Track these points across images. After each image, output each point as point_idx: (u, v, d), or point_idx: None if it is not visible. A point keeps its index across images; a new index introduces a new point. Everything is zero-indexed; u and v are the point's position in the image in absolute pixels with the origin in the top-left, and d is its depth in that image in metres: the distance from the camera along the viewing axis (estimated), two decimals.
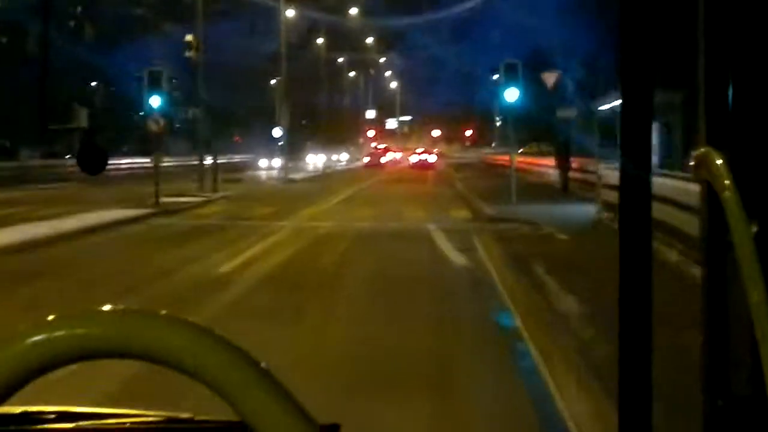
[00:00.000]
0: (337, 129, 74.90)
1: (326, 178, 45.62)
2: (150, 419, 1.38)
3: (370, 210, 23.23)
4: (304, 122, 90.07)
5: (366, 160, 69.35)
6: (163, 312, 0.66)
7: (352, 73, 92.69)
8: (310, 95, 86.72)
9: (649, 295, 1.14)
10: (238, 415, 0.64)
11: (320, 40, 66.64)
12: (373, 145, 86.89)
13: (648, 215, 1.16)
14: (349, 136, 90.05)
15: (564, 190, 29.29)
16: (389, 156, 78.47)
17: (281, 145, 42.40)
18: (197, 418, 1.38)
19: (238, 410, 0.64)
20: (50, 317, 0.65)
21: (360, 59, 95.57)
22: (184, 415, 1.40)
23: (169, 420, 1.39)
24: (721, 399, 1.15)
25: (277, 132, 42.52)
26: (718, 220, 1.08)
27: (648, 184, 1.16)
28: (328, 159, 60.87)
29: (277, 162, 52.80)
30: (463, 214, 22.19)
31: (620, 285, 1.14)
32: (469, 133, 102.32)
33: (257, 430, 0.63)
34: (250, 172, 48.80)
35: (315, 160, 63.11)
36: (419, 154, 67.85)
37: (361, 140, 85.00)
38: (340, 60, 79.04)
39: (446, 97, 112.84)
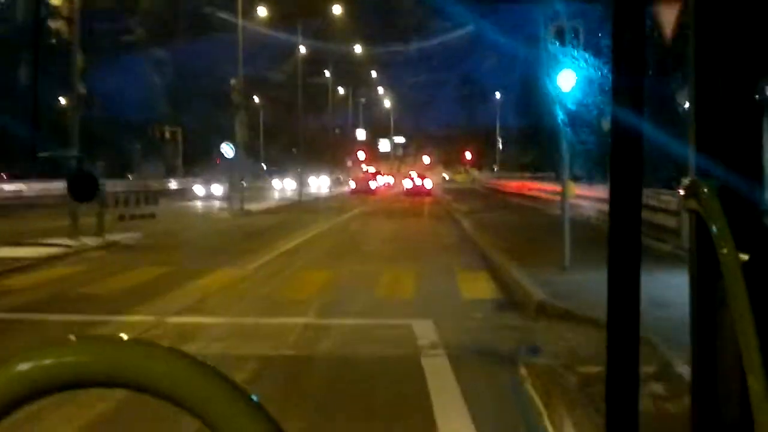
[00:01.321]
0: (320, 151, 65.30)
1: (294, 209, 36.01)
2: None
3: (325, 274, 13.73)
4: (294, 150, 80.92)
5: (352, 185, 59.82)
6: (150, 342, 0.66)
7: (341, 90, 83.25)
8: (294, 118, 77.74)
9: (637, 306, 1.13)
10: None
11: (302, 49, 57.13)
12: (365, 168, 77.37)
13: (638, 230, 1.16)
14: (336, 158, 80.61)
15: None
16: (380, 180, 68.95)
17: (234, 168, 32.83)
18: None
19: None
20: (37, 348, 0.64)
21: (351, 78, 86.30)
22: None
23: None
24: (708, 427, 1.14)
25: (227, 150, 32.93)
26: (707, 250, 1.09)
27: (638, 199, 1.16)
28: (304, 184, 51.11)
29: (218, 188, 43.46)
30: (482, 288, 12.42)
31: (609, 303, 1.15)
32: (468, 155, 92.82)
33: None
34: (186, 202, 39.35)
35: (288, 186, 53.23)
36: (413, 178, 58.35)
37: (349, 163, 75.64)
38: (327, 74, 69.53)
39: (444, 118, 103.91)
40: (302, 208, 37.16)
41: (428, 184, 57.57)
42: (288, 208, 36.84)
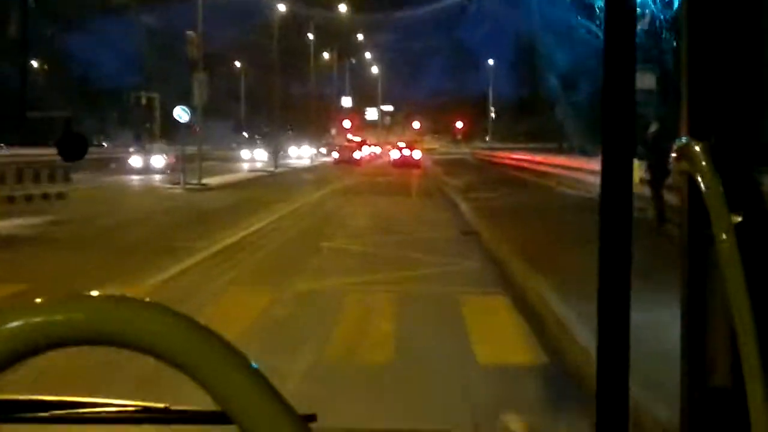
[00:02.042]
0: (302, 119, 60.03)
1: (262, 183, 31.01)
2: (125, 408, 1.36)
3: (259, 301, 8.81)
4: (290, 129, 75.99)
5: (335, 155, 54.77)
6: (146, 299, 0.65)
7: (326, 55, 77.82)
8: (272, 83, 72.45)
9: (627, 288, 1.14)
10: (217, 404, 0.63)
11: (281, 7, 51.78)
12: (350, 137, 72.23)
13: (629, 211, 1.17)
14: (320, 127, 75.38)
15: (660, 225, 14.46)
16: (366, 150, 63.86)
17: (191, 133, 27.80)
18: (174, 407, 1.36)
19: (217, 399, 0.63)
20: (25, 304, 0.63)
21: (337, 43, 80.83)
22: (160, 405, 1.36)
23: (145, 409, 1.37)
24: (698, 391, 1.14)
25: (181, 114, 27.82)
26: (699, 213, 1.08)
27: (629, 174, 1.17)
28: (280, 154, 45.95)
29: (159, 159, 37.42)
30: (506, 337, 7.33)
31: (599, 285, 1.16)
32: (459, 125, 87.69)
33: (235, 418, 0.63)
34: (118, 176, 33.31)
35: (261, 156, 47.91)
36: (401, 149, 53.33)
37: (333, 132, 70.41)
38: (310, 36, 64.12)
39: (434, 86, 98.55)
40: (272, 182, 32.11)
41: (417, 154, 52.57)
42: (256, 182, 31.79)
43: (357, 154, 54.57)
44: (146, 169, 36.29)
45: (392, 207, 21.56)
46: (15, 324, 0.62)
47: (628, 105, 1.18)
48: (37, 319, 0.62)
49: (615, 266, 1.18)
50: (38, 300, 0.64)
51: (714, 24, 1.12)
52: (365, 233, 15.70)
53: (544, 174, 32.34)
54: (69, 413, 1.35)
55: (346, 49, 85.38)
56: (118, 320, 0.63)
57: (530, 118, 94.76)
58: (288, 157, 56.30)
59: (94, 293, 0.65)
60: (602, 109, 1.17)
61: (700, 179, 1.03)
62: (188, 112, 26.89)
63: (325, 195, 25.73)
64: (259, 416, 0.62)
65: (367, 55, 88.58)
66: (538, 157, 38.41)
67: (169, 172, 34.15)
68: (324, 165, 52.21)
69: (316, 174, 38.56)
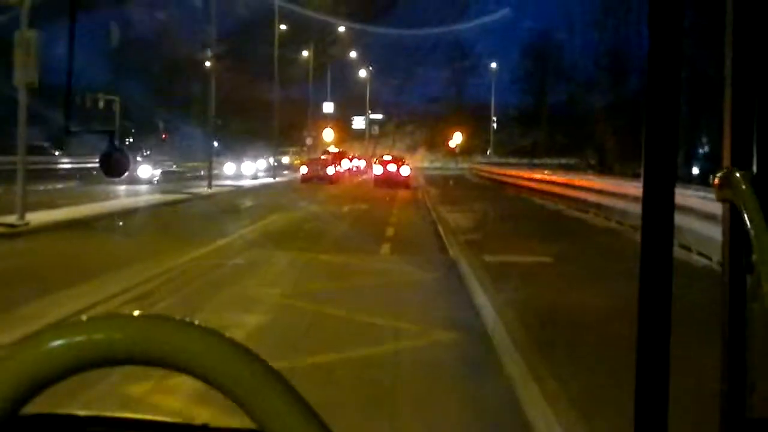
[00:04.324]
0: (265, 127, 48.35)
1: (143, 219, 19.45)
2: (164, 426, 1.33)
3: None
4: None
5: (303, 170, 43.25)
6: (180, 318, 0.64)
7: (305, 53, 66.32)
8: (259, 88, 61.38)
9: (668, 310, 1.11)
10: (255, 423, 0.63)
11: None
12: (333, 149, 60.66)
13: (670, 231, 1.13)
14: (293, 137, 64.04)
15: None
16: (346, 165, 52.30)
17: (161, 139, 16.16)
18: (213, 425, 1.31)
19: (254, 418, 0.63)
20: (69, 323, 0.63)
21: (318, 38, 69.45)
22: (199, 423, 1.31)
23: (182, 427, 1.34)
24: (737, 423, 1.10)
25: None
26: (741, 240, 1.05)
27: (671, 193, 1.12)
28: (215, 170, 34.44)
29: None
30: None
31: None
32: (457, 137, 76.16)
33: None
34: None
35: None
36: (386, 163, 41.86)
37: (309, 142, 58.91)
38: (281, 27, 52.56)
39: (429, 92, 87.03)
40: (162, 217, 20.39)
41: (405, 171, 41.05)
42: (131, 217, 20.03)
43: (330, 170, 42.97)
44: None
45: (337, 298, 9.92)
46: (56, 343, 0.61)
47: (672, 123, 1.13)
48: (78, 339, 0.61)
49: (655, 284, 1.12)
50: (78, 320, 0.63)
51: (756, 56, 1.10)
52: None
53: (589, 205, 20.80)
54: (105, 430, 1.27)
55: (329, 49, 74.04)
56: (157, 341, 0.62)
57: (535, 130, 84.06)
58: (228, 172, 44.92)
59: (135, 313, 0.64)
60: (645, 127, 1.12)
61: (741, 207, 1.02)
62: None
63: (222, 249, 14.11)
64: None
65: (354, 54, 77.11)
66: (563, 178, 26.84)
67: None
68: (283, 184, 40.56)
69: (253, 200, 26.85)
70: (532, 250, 13.34)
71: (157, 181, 33.70)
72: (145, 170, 34.99)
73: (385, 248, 14.76)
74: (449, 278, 11.32)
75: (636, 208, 14.34)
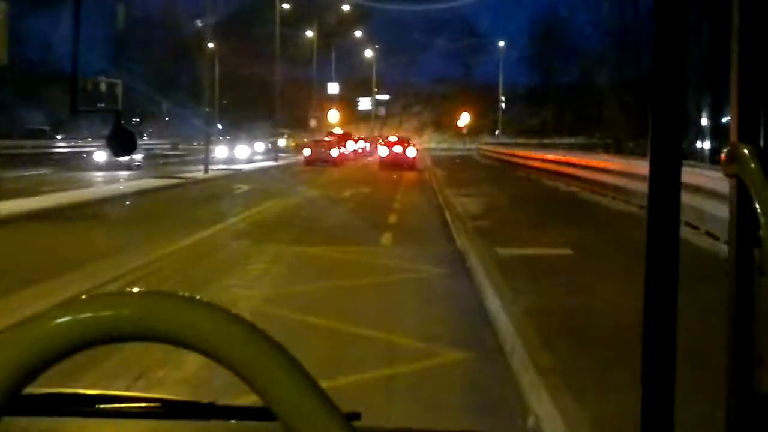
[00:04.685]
0: (272, 108, 46.72)
1: (123, 209, 17.92)
2: (172, 404, 1.37)
3: None
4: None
5: (306, 153, 41.77)
6: (187, 294, 0.65)
7: (309, 33, 64.64)
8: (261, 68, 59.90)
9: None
10: (262, 400, 0.63)
11: None
12: (337, 131, 59.11)
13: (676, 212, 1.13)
14: (297, 118, 62.36)
15: None
16: (351, 147, 50.77)
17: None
18: (219, 403, 1.36)
19: (263, 395, 0.63)
20: (76, 299, 0.63)
21: (324, 17, 67.73)
22: (206, 401, 1.37)
23: (191, 405, 1.37)
24: (744, 398, 1.11)
25: None
26: (747, 216, 1.06)
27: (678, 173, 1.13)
28: (212, 153, 32.83)
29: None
30: None
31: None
32: (465, 117, 74.46)
33: (280, 415, 0.62)
34: None
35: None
36: (391, 144, 40.33)
37: (313, 123, 57.28)
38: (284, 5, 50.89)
39: (436, 72, 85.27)
40: (160, 203, 18.89)
41: (411, 152, 39.52)
42: (109, 206, 18.52)
43: (334, 152, 41.47)
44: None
45: (325, 304, 8.43)
46: (63, 320, 0.61)
47: (678, 101, 1.13)
48: (85, 315, 0.62)
49: (662, 264, 1.13)
50: (85, 297, 0.63)
51: (764, 30, 1.11)
52: None
53: (607, 187, 19.29)
54: (114, 408, 1.34)
55: (334, 28, 72.31)
56: (165, 317, 0.62)
57: (544, 109, 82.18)
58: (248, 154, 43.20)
59: (143, 290, 0.63)
60: (651, 105, 1.12)
61: (748, 182, 1.02)
62: None
63: (205, 241, 12.65)
64: (303, 414, 0.61)
65: (359, 34, 75.33)
66: (579, 158, 25.23)
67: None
68: (285, 167, 39.06)
69: (250, 184, 25.31)
70: (549, 240, 11.85)
71: (138, 166, 30.99)
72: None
73: (386, 238, 13.29)
74: (457, 275, 9.86)
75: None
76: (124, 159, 30.49)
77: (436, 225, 15.32)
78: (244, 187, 24.09)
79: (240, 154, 41.30)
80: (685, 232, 11.82)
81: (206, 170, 28.44)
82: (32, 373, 0.62)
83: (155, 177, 25.48)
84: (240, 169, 33.73)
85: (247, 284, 9.11)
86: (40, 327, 0.62)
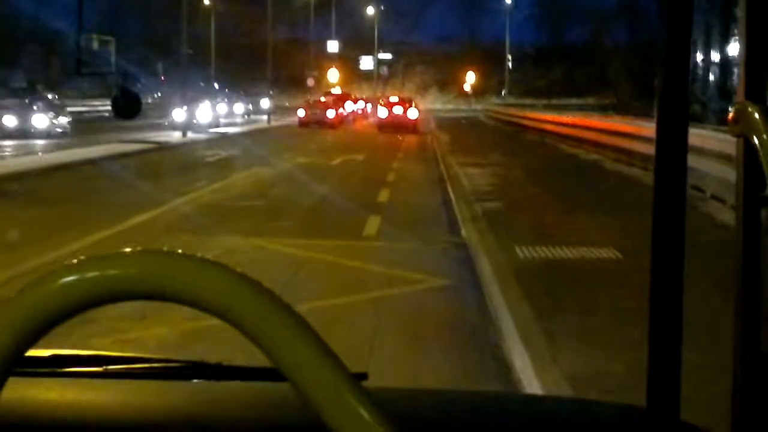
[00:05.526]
0: (261, 66, 43.35)
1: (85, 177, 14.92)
2: (178, 365, 1.37)
3: None
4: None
5: (301, 114, 38.74)
6: (198, 255, 0.63)
7: None
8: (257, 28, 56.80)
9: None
10: (271, 361, 0.62)
11: None
12: (336, 91, 55.91)
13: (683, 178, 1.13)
14: (293, 77, 59.11)
15: None
16: (349, 108, 47.62)
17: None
18: (226, 364, 1.35)
19: (270, 355, 0.62)
20: (81, 258, 0.62)
21: None
22: (213, 362, 1.36)
23: (198, 365, 1.37)
24: (751, 356, 1.11)
25: None
26: (755, 175, 1.06)
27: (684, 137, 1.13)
28: (193, 114, 29.08)
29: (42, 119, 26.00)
30: None
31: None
32: (471, 77, 71.06)
33: (289, 375, 0.61)
34: None
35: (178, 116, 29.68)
36: (391, 105, 37.26)
37: (311, 82, 54.04)
38: None
39: (440, 31, 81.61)
40: (108, 175, 15.75)
41: (412, 114, 36.47)
42: (70, 174, 15.56)
43: (330, 113, 38.40)
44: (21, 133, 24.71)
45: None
46: (69, 279, 0.61)
47: (684, 63, 1.13)
48: (90, 275, 0.61)
49: (668, 242, 1.13)
50: (88, 257, 0.62)
51: None
52: None
53: (634, 156, 16.31)
54: (122, 368, 1.34)
55: None
56: (172, 276, 0.61)
57: (552, 70, 78.62)
58: (229, 116, 39.92)
59: (151, 249, 0.62)
60: (660, 70, 1.12)
61: (755, 142, 1.01)
62: None
63: (135, 231, 9.70)
64: (311, 373, 0.61)
65: None
66: (602, 122, 22.06)
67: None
68: (277, 129, 36.02)
69: (228, 150, 22.28)
70: (583, 233, 8.94)
71: (63, 133, 26.20)
72: (41, 120, 26.20)
73: (372, 225, 10.36)
74: (462, 291, 6.98)
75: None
76: (44, 125, 26.28)
77: (437, 206, 12.39)
78: (221, 153, 21.11)
79: (202, 117, 33.65)
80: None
81: (184, 134, 25.40)
82: (37, 333, 0.62)
83: (124, 141, 22.43)
84: (225, 132, 30.65)
85: (158, 310, 6.19)
86: (45, 287, 0.61)
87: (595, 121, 22.36)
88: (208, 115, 32.03)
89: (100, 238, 8.83)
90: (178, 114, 27.39)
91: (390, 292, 6.89)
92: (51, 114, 26.90)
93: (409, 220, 10.92)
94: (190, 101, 28.94)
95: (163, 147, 22.16)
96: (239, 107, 45.21)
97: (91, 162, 17.13)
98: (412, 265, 7.96)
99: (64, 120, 27.52)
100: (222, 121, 35.12)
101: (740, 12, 1.12)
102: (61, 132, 26.24)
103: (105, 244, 8.59)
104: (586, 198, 11.92)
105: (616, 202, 11.49)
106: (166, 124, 28.24)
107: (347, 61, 74.13)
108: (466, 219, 10.31)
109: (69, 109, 30.93)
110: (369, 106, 52.38)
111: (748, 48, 1.11)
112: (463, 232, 9.69)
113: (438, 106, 69.92)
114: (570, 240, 8.51)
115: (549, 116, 30.21)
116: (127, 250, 0.61)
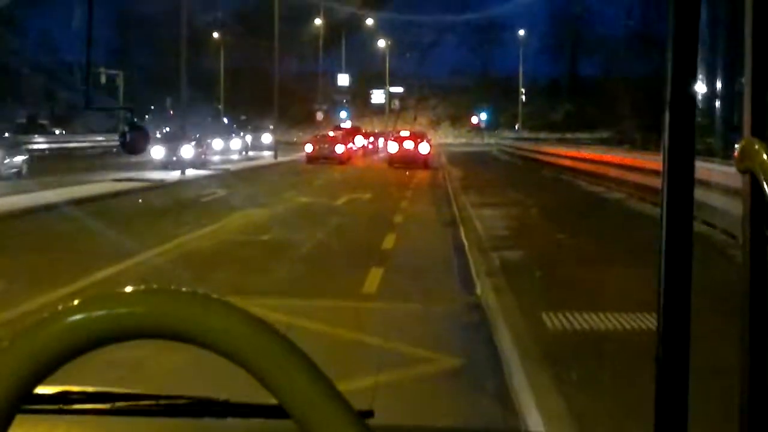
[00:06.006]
0: (281, 102, 42.18)
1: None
2: (186, 401, 1.35)
3: None
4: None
5: (308, 149, 37.50)
6: (203, 292, 0.63)
7: (318, 21, 60.38)
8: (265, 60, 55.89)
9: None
10: (276, 399, 0.62)
11: None
12: (345, 125, 54.80)
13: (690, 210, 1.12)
14: (303, 112, 58.08)
15: None
16: (359, 142, 46.42)
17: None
18: (233, 400, 1.34)
19: (276, 394, 0.62)
20: (90, 297, 0.62)
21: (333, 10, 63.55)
22: (220, 398, 1.35)
23: (205, 402, 1.35)
24: (759, 391, 1.10)
25: None
26: (761, 212, 1.06)
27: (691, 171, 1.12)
28: (176, 152, 26.34)
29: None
30: None
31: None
32: (483, 111, 69.85)
33: (293, 413, 0.62)
34: None
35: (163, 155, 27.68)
36: (402, 140, 35.99)
37: (320, 117, 52.92)
38: None
39: (452, 64, 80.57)
40: (84, 217, 14.19)
41: (424, 148, 35.18)
42: (37, 218, 14.14)
43: (339, 148, 37.15)
44: None
45: None
46: (75, 317, 0.61)
47: (689, 97, 1.12)
48: (97, 313, 0.61)
49: (677, 265, 1.11)
50: (100, 294, 0.62)
51: None
52: None
53: (658, 194, 14.73)
54: (130, 405, 1.32)
55: (345, 19, 68.07)
56: (180, 316, 0.61)
57: (566, 103, 77.26)
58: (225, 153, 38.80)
59: (158, 288, 0.62)
60: (663, 101, 1.11)
61: (761, 177, 1.00)
62: None
63: (98, 287, 8.34)
64: (316, 412, 0.61)
65: (371, 21, 70.92)
66: (624, 157, 20.61)
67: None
68: (283, 165, 34.79)
69: (227, 189, 20.93)
70: (624, 291, 7.48)
71: (19, 173, 23.33)
72: None
73: (372, 281, 8.91)
74: (480, 379, 5.53)
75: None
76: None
77: (447, 254, 10.96)
78: (219, 192, 19.76)
79: (185, 153, 30.17)
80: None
81: (183, 171, 24.10)
82: (44, 371, 0.61)
83: (115, 180, 21.13)
84: (228, 169, 29.36)
85: None
86: (53, 325, 0.61)
87: (617, 156, 20.93)
88: (196, 152, 29.61)
89: (39, 305, 7.37)
90: (157, 152, 25.71)
91: (387, 378, 5.43)
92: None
93: (416, 272, 9.50)
94: (187, 139, 27.48)
95: (165, 185, 20.85)
96: (236, 143, 43.99)
97: (104, 197, 15.67)
98: (418, 335, 6.54)
99: (18, 159, 24.21)
100: (218, 158, 33.81)
101: (746, 49, 1.09)
102: (15, 172, 23.35)
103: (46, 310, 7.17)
104: (618, 245, 10.47)
105: (649, 251, 10.01)
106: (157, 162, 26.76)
107: (358, 94, 73.21)
108: (481, 273, 8.88)
109: (39, 146, 28.47)
110: (381, 140, 51.21)
111: (753, 84, 1.09)
112: (478, 290, 8.26)
113: (450, 140, 68.77)
114: (608, 302, 7.06)
115: (566, 151, 28.78)
116: (132, 289, 0.61)
